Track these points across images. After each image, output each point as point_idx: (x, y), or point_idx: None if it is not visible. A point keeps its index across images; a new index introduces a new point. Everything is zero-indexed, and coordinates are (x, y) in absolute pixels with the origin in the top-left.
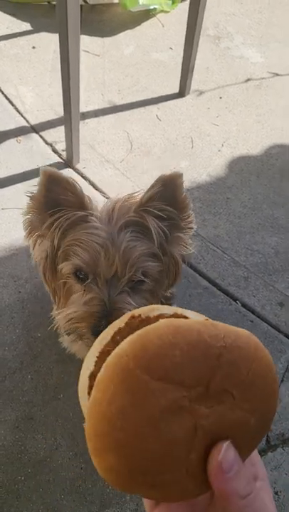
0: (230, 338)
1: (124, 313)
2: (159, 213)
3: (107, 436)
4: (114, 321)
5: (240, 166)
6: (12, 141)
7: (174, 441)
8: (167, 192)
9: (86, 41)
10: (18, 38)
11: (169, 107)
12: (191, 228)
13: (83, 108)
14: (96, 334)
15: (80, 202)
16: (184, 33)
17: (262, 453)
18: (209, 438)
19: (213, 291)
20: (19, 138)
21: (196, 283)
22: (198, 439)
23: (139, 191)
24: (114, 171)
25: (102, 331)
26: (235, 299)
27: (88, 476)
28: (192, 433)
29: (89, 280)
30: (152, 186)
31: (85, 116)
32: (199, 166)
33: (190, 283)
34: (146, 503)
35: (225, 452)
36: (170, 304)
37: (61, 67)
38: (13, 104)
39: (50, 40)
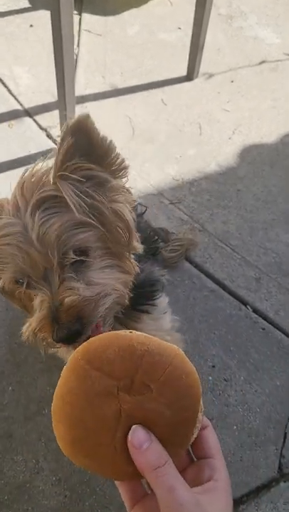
0: (154, 346)
1: (70, 299)
2: (78, 179)
3: (60, 409)
4: (65, 317)
5: (252, 155)
6: (3, 125)
7: (104, 417)
8: (81, 142)
9: (88, 20)
10: (15, 15)
11: (175, 91)
12: (126, 169)
13: (82, 91)
14: (58, 340)
15: None
16: (194, 12)
17: (273, 483)
18: (131, 422)
19: (221, 294)
20: (11, 122)
21: (202, 284)
22: (122, 420)
23: (42, 162)
24: None
25: (62, 333)
26: (245, 303)
27: (73, 506)
28: (118, 415)
29: (28, 285)
30: (61, 142)
31: (84, 99)
32: (208, 155)
33: (195, 284)
34: (126, 501)
35: (133, 432)
36: (155, 294)
37: (54, 45)
38: (6, 86)
39: (49, 19)
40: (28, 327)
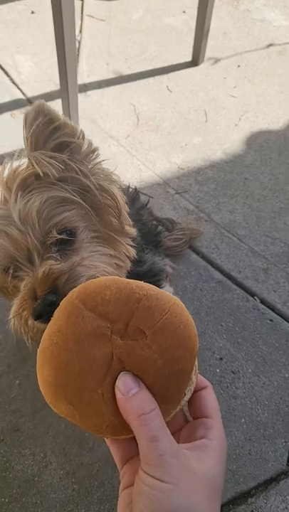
0: (154, 291)
1: (44, 272)
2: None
3: (46, 349)
4: (40, 289)
5: (259, 142)
6: (6, 115)
7: (93, 360)
8: (46, 125)
9: (90, 4)
10: (16, 1)
11: (180, 77)
12: (96, 151)
13: (85, 79)
14: (36, 316)
15: None
16: None
17: (282, 476)
18: (122, 367)
19: (228, 285)
20: (14, 112)
21: (209, 276)
22: (113, 364)
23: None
24: (119, 148)
25: (38, 306)
26: (252, 295)
27: (81, 499)
28: (109, 358)
29: (14, 271)
30: (27, 129)
31: (87, 87)
32: (214, 143)
33: (201, 275)
34: (117, 460)
35: (121, 377)
36: (159, 284)
37: (55, 32)
38: (8, 75)
39: (50, 4)
40: (13, 310)
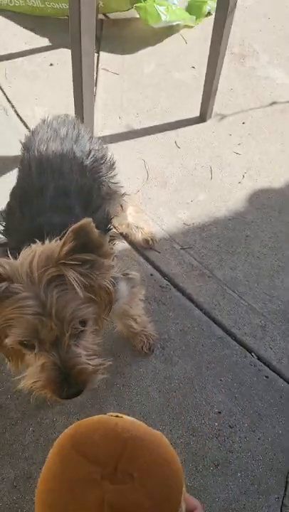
0: (138, 431)
1: (80, 367)
2: (78, 264)
3: (43, 494)
4: (75, 380)
5: (261, 200)
6: None
7: (87, 506)
8: (81, 239)
9: (105, 58)
10: (36, 54)
11: (188, 133)
12: (112, 252)
13: (100, 132)
14: (64, 397)
15: None
16: (208, 50)
17: None
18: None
19: (228, 342)
20: None
21: (210, 332)
22: (105, 509)
23: (55, 241)
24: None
25: (67, 393)
26: (250, 351)
27: None
28: (101, 503)
29: (36, 348)
30: (66, 240)
31: (102, 141)
32: (218, 200)
33: (203, 331)
34: None
35: None
36: None
37: (74, 85)
38: (27, 127)
39: (68, 57)
40: (31, 384)
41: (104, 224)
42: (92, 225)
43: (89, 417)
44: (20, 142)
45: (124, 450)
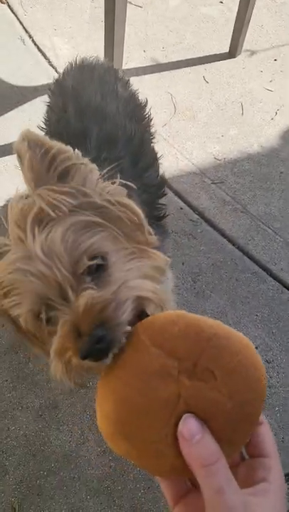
0: (224, 330)
1: (86, 304)
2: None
3: (109, 384)
4: (85, 324)
5: None
6: (44, 98)
7: (157, 399)
8: (42, 161)
9: None
10: None
11: (217, 68)
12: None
13: (123, 65)
14: (84, 355)
15: None
16: None
17: None
18: (188, 409)
19: (264, 277)
20: None
21: (245, 266)
22: (180, 406)
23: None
24: (156, 137)
25: (86, 344)
26: (287, 287)
27: (118, 477)
28: (175, 399)
29: (47, 314)
30: (20, 161)
31: (124, 74)
32: (250, 135)
33: (237, 266)
34: (169, 498)
35: (184, 421)
36: None
37: (105, 19)
38: (46, 57)
39: None
40: (52, 352)
41: (157, 187)
42: (36, 133)
43: (165, 311)
44: (49, 88)
45: (208, 346)
